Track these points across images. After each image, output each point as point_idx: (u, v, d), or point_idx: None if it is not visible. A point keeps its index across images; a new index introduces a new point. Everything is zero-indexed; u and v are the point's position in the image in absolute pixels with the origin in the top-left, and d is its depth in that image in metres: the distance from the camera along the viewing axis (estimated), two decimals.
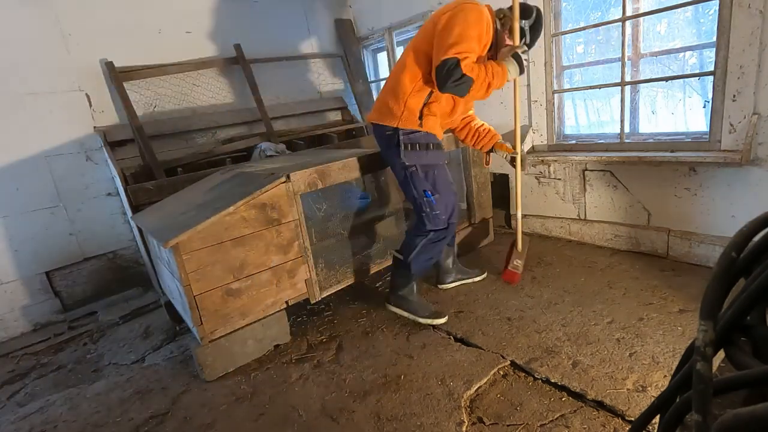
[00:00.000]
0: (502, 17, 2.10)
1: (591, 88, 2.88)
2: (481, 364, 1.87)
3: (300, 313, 2.61)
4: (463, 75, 1.85)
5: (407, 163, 2.09)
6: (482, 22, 1.91)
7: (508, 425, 1.52)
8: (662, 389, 0.64)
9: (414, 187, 2.12)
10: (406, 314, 2.29)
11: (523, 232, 2.65)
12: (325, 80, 4.39)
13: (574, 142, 3.03)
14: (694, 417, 0.41)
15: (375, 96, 4.61)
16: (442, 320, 2.24)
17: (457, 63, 1.84)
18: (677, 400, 0.53)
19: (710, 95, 2.27)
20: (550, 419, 1.52)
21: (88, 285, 3.16)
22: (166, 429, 1.78)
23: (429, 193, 2.10)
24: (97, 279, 3.19)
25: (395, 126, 2.07)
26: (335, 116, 4.41)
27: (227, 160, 3.40)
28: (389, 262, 2.63)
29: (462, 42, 1.85)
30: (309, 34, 4.23)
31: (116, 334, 2.74)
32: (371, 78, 4.63)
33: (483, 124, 2.48)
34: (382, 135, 2.15)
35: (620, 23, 2.52)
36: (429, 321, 2.24)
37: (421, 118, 2.08)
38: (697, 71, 2.83)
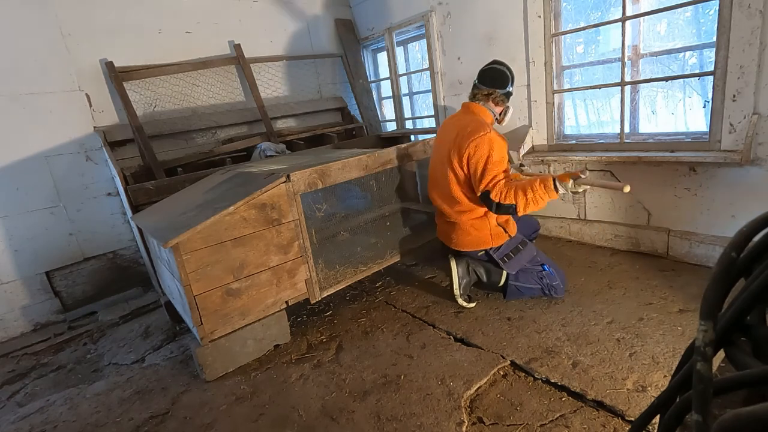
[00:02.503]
0: (493, 97, 2.22)
1: (591, 88, 2.88)
2: (481, 364, 1.87)
3: (300, 313, 2.61)
4: (500, 204, 2.03)
5: (518, 264, 2.27)
6: (497, 144, 2.06)
7: (508, 425, 1.52)
8: (662, 389, 0.64)
9: (526, 281, 2.29)
10: (455, 282, 2.36)
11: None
12: (325, 80, 4.39)
13: (574, 142, 3.02)
14: (694, 417, 0.41)
15: (375, 96, 4.62)
16: (473, 305, 2.39)
17: (488, 195, 2.05)
18: (677, 400, 0.53)
19: (710, 95, 2.27)
20: (550, 419, 1.52)
21: (88, 285, 3.16)
22: (166, 429, 1.78)
23: (546, 266, 2.28)
24: (97, 279, 3.18)
25: (488, 248, 2.27)
26: (335, 116, 4.41)
27: (227, 160, 3.40)
28: (389, 262, 2.64)
29: (487, 172, 2.04)
30: (309, 34, 4.23)
31: (116, 334, 2.74)
32: (371, 78, 4.63)
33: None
34: (475, 255, 2.36)
35: (620, 23, 2.52)
36: (464, 303, 2.38)
37: (505, 229, 2.27)
38: (697, 71, 2.83)
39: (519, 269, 2.28)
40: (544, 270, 2.27)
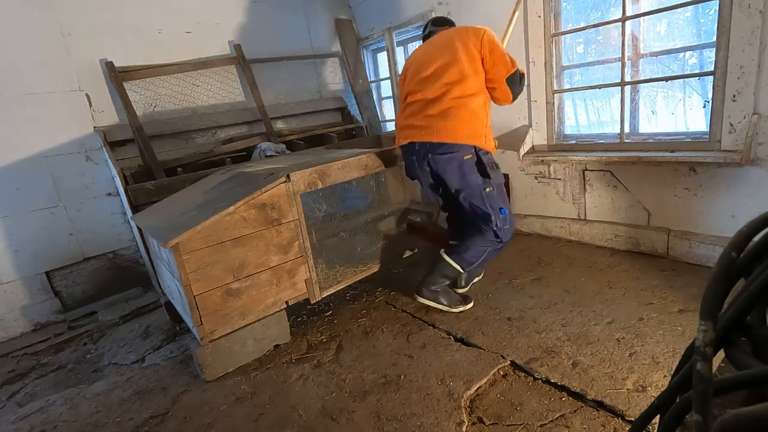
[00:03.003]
0: None
1: (591, 88, 2.88)
2: (481, 364, 1.87)
3: (300, 313, 2.61)
4: (522, 74, 2.18)
5: (495, 182, 2.19)
6: None
7: (508, 425, 1.52)
8: (662, 389, 0.64)
9: (490, 206, 2.21)
10: (439, 306, 2.33)
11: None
12: (325, 80, 4.39)
13: (574, 142, 3.03)
14: (694, 417, 0.41)
15: (375, 96, 4.61)
16: (470, 305, 2.36)
17: (516, 72, 2.13)
18: (677, 400, 0.53)
19: (710, 95, 2.27)
20: (550, 419, 1.52)
21: (88, 285, 3.16)
22: (166, 429, 1.78)
23: (504, 210, 2.24)
24: (97, 279, 3.19)
25: (480, 146, 2.16)
26: (335, 116, 4.41)
27: (227, 160, 3.40)
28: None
29: (507, 56, 2.13)
30: (309, 34, 4.23)
31: (116, 334, 2.74)
32: (371, 78, 4.63)
33: None
34: (454, 158, 2.13)
35: (620, 23, 2.52)
36: (460, 309, 2.33)
37: (487, 138, 2.22)
38: (697, 71, 2.82)
39: (474, 255, 2.25)
40: (502, 214, 2.22)
